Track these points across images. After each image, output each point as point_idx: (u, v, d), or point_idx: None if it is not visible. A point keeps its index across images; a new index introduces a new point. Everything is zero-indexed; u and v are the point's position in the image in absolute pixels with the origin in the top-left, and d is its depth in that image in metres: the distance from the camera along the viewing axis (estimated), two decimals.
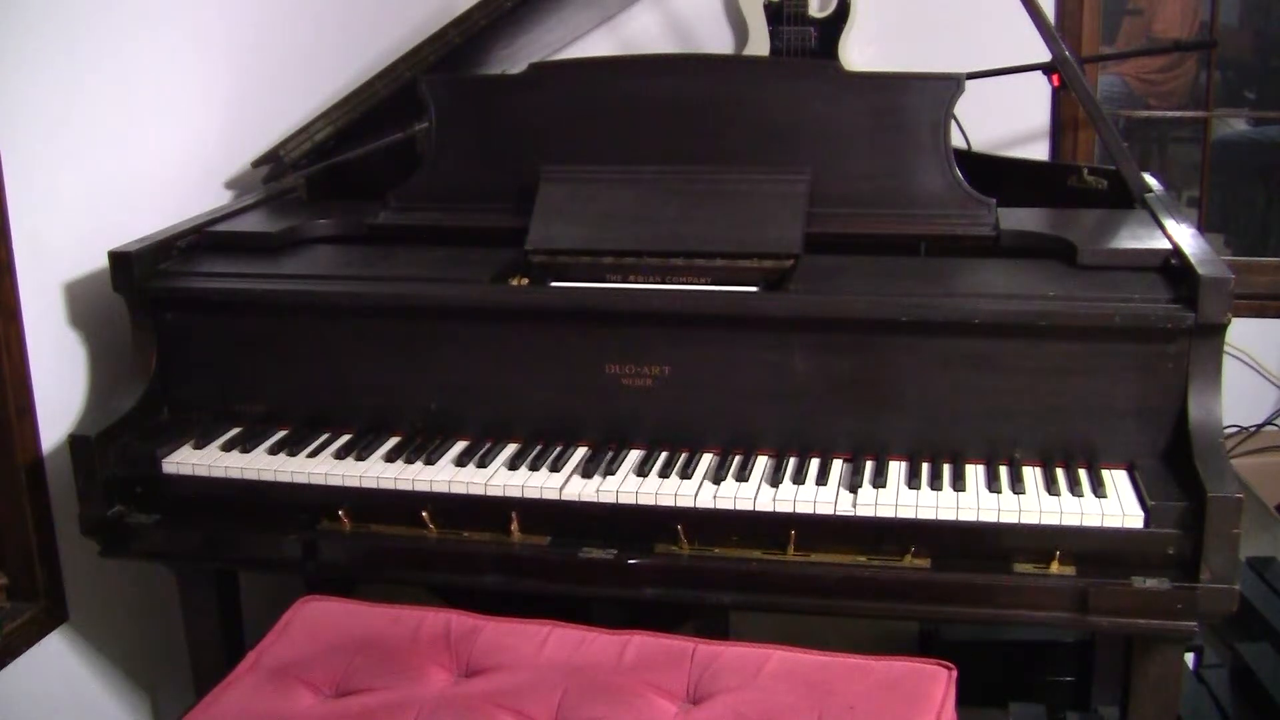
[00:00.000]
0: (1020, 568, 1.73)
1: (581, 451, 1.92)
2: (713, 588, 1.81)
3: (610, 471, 1.85)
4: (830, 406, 1.87)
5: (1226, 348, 1.80)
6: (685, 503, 1.79)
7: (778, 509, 1.77)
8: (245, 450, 1.97)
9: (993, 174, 2.27)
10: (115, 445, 1.95)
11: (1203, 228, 3.41)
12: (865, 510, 1.75)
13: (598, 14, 3.32)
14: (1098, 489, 1.75)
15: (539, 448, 1.92)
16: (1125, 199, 2.19)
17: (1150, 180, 2.23)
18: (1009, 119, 3.39)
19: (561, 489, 1.83)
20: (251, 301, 2.02)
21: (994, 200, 2.02)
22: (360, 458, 1.93)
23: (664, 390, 1.90)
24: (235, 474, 1.93)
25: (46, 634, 2.10)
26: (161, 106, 2.31)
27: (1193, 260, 1.77)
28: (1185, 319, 1.73)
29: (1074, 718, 2.21)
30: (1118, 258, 1.88)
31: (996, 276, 1.91)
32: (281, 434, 2.01)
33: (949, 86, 2.02)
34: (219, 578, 2.09)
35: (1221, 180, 4.09)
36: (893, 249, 2.03)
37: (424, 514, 1.87)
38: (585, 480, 1.84)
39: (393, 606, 1.83)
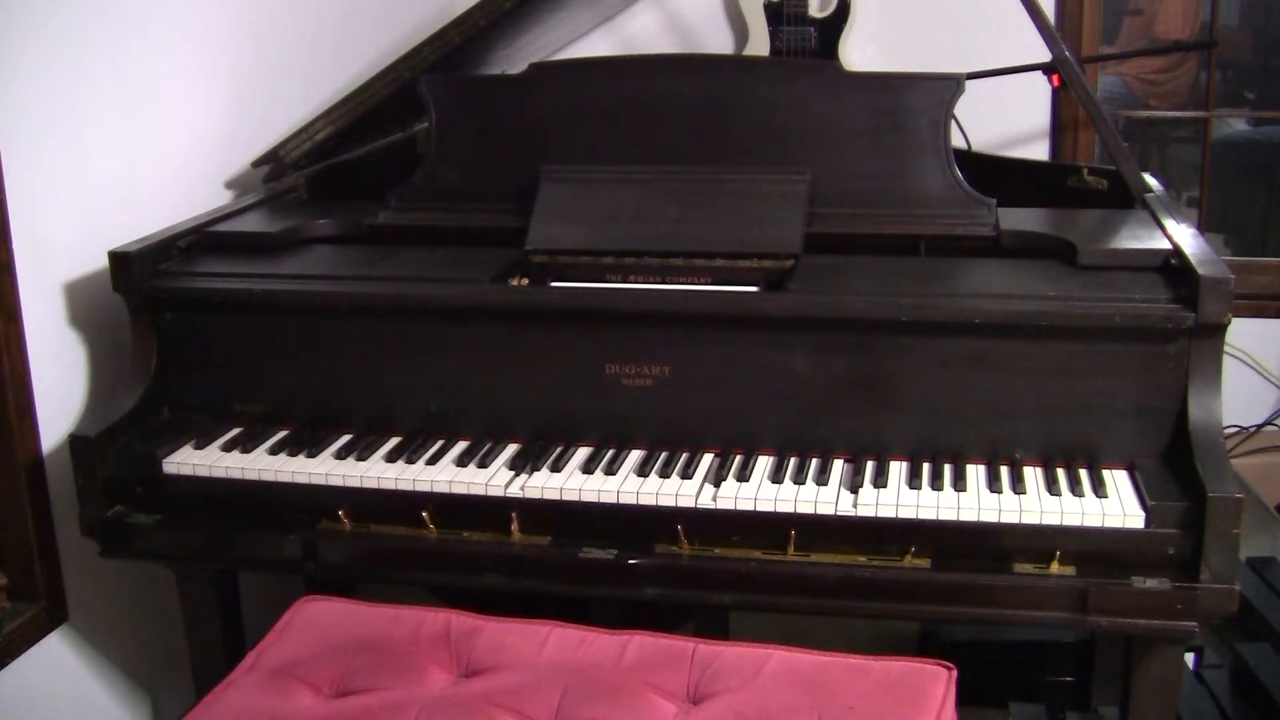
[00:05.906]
0: (1020, 568, 1.73)
1: (582, 452, 1.92)
2: (713, 588, 1.81)
3: (611, 472, 1.85)
4: (830, 406, 1.87)
5: (1226, 348, 1.80)
6: (686, 503, 1.79)
7: (778, 509, 1.77)
8: (246, 450, 1.97)
9: (993, 174, 2.27)
10: (115, 445, 1.95)
11: (1203, 228, 3.42)
12: (866, 510, 1.75)
13: (598, 14, 3.32)
14: (1099, 489, 1.75)
15: (540, 448, 1.92)
16: (1125, 199, 2.19)
17: (1150, 180, 2.23)
18: (1009, 119, 3.39)
19: (562, 489, 1.83)
20: (251, 301, 2.02)
21: (994, 200, 2.03)
22: (361, 458, 1.93)
23: (664, 390, 1.90)
24: (236, 474, 1.93)
25: (46, 634, 2.10)
26: (161, 106, 2.31)
27: (1193, 260, 1.77)
28: (1185, 319, 1.73)
29: (1074, 718, 2.21)
30: (1118, 258, 1.88)
31: (996, 276, 1.91)
32: (282, 434, 2.01)
33: (949, 86, 2.02)
34: (219, 578, 2.09)
35: (1221, 180, 4.09)
36: (893, 249, 2.03)
37: (424, 514, 1.87)
38: (586, 480, 1.84)
39: (393, 606, 1.83)
